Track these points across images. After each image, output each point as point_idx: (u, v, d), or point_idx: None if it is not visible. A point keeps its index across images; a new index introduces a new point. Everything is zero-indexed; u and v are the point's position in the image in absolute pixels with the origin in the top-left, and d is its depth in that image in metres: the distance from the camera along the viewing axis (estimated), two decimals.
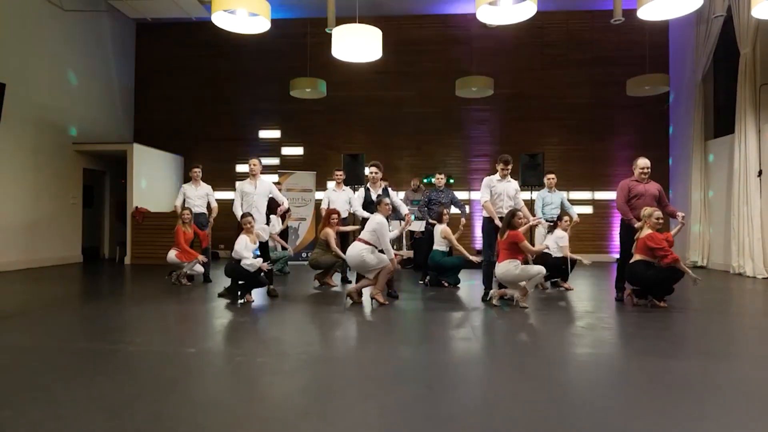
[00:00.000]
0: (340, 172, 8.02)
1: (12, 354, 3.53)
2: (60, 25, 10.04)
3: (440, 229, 6.93)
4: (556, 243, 6.68)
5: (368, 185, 6.31)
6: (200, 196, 7.34)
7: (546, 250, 6.53)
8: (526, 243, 5.35)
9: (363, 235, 5.51)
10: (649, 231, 5.26)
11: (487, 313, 5.12)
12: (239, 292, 5.70)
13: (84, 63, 10.82)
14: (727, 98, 9.74)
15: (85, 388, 2.79)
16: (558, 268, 6.64)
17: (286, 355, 3.57)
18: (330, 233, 6.88)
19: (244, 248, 5.58)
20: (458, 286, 7.04)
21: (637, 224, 5.44)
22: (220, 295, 5.79)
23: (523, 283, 5.35)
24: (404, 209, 6.14)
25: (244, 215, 5.76)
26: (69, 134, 10.31)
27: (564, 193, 7.30)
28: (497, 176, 5.86)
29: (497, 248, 5.59)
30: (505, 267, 5.33)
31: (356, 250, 5.40)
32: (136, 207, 10.38)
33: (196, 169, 7.52)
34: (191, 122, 12.46)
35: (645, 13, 6.02)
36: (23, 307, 5.44)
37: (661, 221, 5.35)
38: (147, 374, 3.06)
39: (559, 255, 6.62)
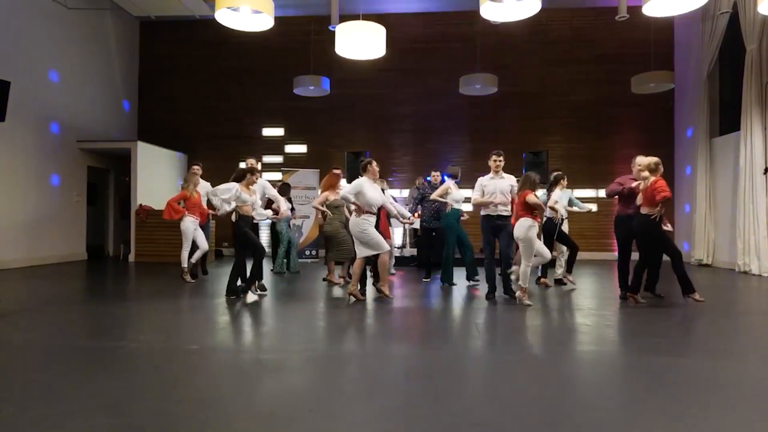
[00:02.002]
0: (338, 171, 7.86)
1: (16, 351, 3.55)
2: (64, 23, 10.06)
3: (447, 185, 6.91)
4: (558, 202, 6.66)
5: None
6: (200, 194, 7.33)
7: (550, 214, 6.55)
8: (534, 198, 5.41)
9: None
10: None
11: (491, 310, 5.11)
12: (242, 289, 5.66)
13: (88, 61, 10.84)
14: (732, 95, 9.68)
15: (87, 384, 2.79)
16: (550, 235, 6.65)
17: (289, 352, 3.57)
18: (325, 196, 6.73)
19: (227, 191, 5.35)
20: (455, 283, 7.00)
21: (634, 184, 5.55)
22: (228, 294, 5.79)
23: (520, 282, 5.38)
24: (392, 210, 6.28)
25: (252, 169, 5.68)
26: (73, 132, 10.33)
27: (570, 191, 7.29)
28: (490, 174, 5.82)
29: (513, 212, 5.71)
30: (523, 224, 5.37)
31: (354, 221, 5.48)
32: (140, 204, 10.41)
33: (196, 167, 7.50)
34: (195, 120, 12.48)
35: (650, 10, 5.99)
36: (27, 304, 5.47)
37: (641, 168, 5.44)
38: (150, 371, 3.06)
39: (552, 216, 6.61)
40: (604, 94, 11.61)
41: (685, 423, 2.33)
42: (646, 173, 5.28)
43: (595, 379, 3.03)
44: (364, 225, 5.41)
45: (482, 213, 5.85)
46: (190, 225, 6.99)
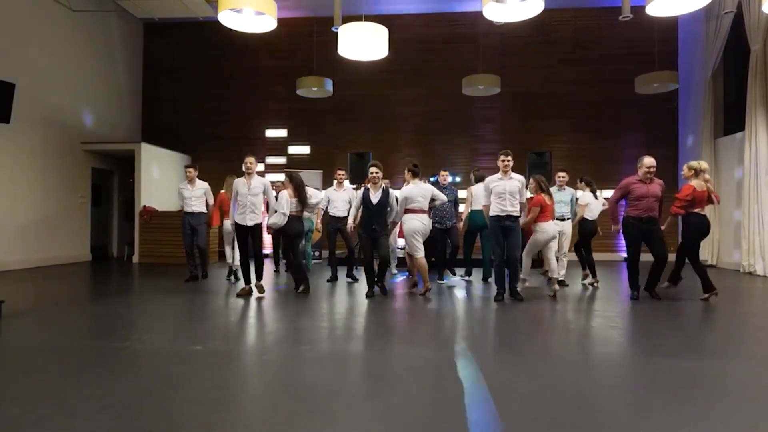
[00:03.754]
0: (342, 172, 7.76)
1: (20, 351, 3.56)
2: (68, 25, 10.12)
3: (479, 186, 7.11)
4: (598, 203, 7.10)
5: (368, 185, 6.11)
6: (196, 196, 7.30)
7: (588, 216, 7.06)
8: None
9: (413, 206, 5.88)
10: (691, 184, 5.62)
11: (496, 311, 5.10)
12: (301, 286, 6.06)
13: (92, 63, 10.89)
14: (737, 95, 9.64)
15: (92, 385, 2.80)
16: (592, 234, 7.04)
17: (293, 352, 3.57)
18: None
19: (286, 202, 5.88)
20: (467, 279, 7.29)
21: (613, 228, 5.94)
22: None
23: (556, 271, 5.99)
24: (394, 216, 6.12)
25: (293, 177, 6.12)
26: (76, 133, 10.38)
27: (573, 191, 7.26)
28: (498, 174, 5.76)
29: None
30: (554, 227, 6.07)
31: (423, 220, 5.94)
32: (144, 206, 10.44)
33: (190, 169, 7.40)
34: (198, 121, 12.51)
35: (654, 10, 5.97)
36: (32, 305, 5.49)
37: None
38: (154, 372, 3.07)
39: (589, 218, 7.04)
40: (608, 95, 11.57)
41: (688, 424, 2.32)
42: (708, 176, 5.58)
43: (598, 380, 3.02)
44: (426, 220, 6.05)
45: (492, 214, 5.75)
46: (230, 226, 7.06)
